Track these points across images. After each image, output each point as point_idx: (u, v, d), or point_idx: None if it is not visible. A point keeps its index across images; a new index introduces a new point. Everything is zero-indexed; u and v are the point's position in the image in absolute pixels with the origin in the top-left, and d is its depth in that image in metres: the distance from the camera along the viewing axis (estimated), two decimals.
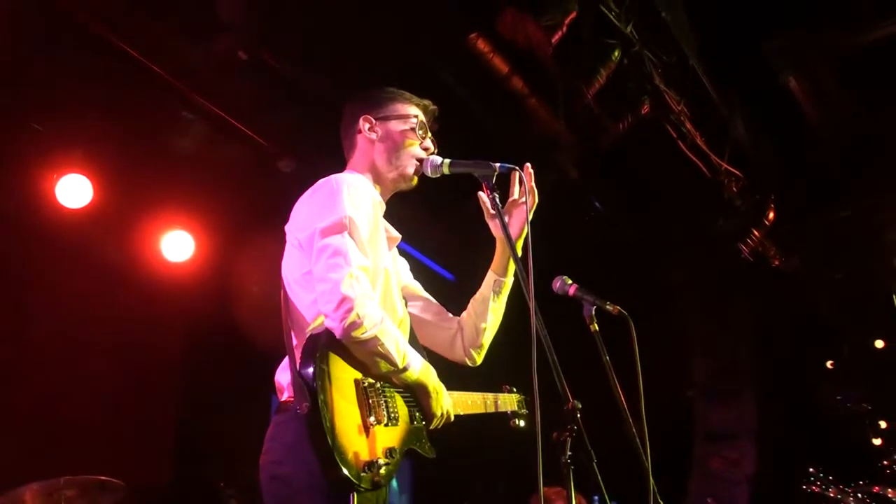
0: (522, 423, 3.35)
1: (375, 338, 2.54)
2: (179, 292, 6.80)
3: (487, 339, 3.20)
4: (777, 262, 7.93)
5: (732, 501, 8.44)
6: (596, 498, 6.95)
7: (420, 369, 2.72)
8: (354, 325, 2.50)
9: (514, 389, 3.42)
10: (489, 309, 3.15)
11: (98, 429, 6.06)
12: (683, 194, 6.94)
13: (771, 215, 7.35)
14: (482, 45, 5.42)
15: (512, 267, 3.13)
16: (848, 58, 6.34)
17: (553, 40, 5.23)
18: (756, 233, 7.36)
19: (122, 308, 6.48)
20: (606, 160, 6.46)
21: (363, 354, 2.59)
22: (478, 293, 3.19)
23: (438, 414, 2.79)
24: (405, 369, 2.65)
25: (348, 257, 2.58)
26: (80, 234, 6.05)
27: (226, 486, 6.43)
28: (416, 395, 2.77)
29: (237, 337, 6.43)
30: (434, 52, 5.53)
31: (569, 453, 2.35)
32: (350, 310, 2.49)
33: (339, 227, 2.64)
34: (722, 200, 6.90)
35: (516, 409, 3.36)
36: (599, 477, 2.34)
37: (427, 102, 3.11)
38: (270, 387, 2.85)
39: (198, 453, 6.81)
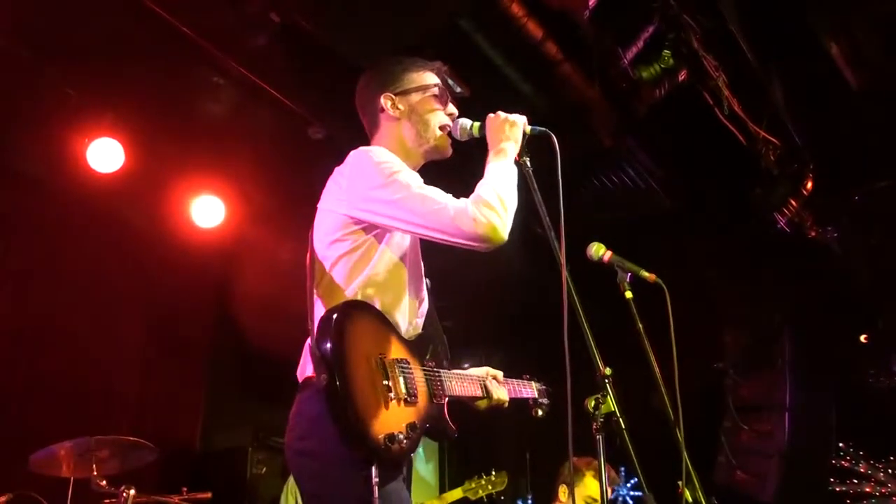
0: (541, 413, 3.34)
1: (488, 220, 2.54)
2: (209, 257, 6.83)
3: None
4: (813, 234, 7.80)
5: (762, 475, 8.38)
6: (623, 468, 6.92)
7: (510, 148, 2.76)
8: (483, 225, 2.52)
9: (533, 379, 3.40)
10: None
11: (127, 392, 6.12)
12: (719, 162, 6.82)
13: (809, 185, 7.22)
14: (516, 9, 5.33)
15: None
16: (892, 24, 6.18)
17: (589, 3, 5.13)
18: (793, 202, 7.23)
19: (151, 273, 6.53)
20: (642, 128, 6.37)
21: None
22: None
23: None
24: (510, 177, 2.69)
25: (421, 191, 2.60)
26: (111, 198, 6.08)
27: (254, 451, 6.49)
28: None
29: (266, 303, 6.44)
30: (468, 17, 5.44)
31: (600, 421, 2.32)
32: (474, 220, 2.51)
33: (395, 170, 2.63)
34: (759, 169, 6.78)
35: (536, 397, 3.34)
36: (630, 445, 2.30)
37: (438, 64, 3.04)
38: (297, 351, 2.82)
39: (226, 418, 6.87)
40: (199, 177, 6.55)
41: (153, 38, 5.33)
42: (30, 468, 4.52)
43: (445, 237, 2.56)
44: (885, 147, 7.12)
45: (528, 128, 2.77)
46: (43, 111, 5.68)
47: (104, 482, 4.68)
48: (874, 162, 7.45)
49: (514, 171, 2.72)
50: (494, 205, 2.56)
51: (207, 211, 6.61)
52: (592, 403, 2.32)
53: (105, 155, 5.87)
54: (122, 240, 6.32)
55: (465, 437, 2.83)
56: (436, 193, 2.61)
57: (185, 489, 5.03)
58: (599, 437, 2.32)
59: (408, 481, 2.70)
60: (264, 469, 6.59)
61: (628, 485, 8.05)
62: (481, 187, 2.63)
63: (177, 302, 6.73)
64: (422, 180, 2.70)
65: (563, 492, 5.71)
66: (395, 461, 2.49)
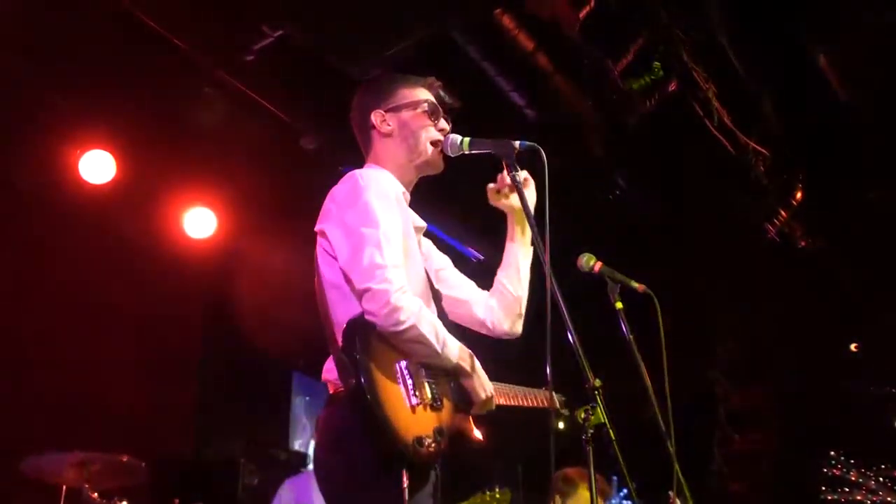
0: (562, 425, 3.28)
1: (413, 326, 2.53)
2: (201, 269, 6.82)
3: (524, 306, 3.13)
4: (804, 244, 7.84)
5: (753, 483, 8.41)
6: (615, 478, 6.92)
7: (459, 354, 2.69)
8: (392, 318, 2.49)
9: (554, 392, 3.34)
10: (521, 276, 3.09)
11: (119, 404, 6.09)
12: (710, 173, 6.86)
13: (798, 195, 7.27)
14: (508, 21, 5.36)
15: (529, 237, 3.08)
16: (879, 35, 6.22)
17: (580, 15, 5.16)
18: (783, 213, 7.27)
19: (143, 284, 6.51)
20: (632, 138, 6.40)
21: (402, 342, 2.58)
22: (504, 264, 3.12)
23: (483, 397, 2.76)
24: (444, 354, 2.63)
25: (382, 251, 2.55)
26: (102, 209, 6.08)
27: (246, 462, 6.47)
28: (459, 379, 2.74)
29: (258, 313, 6.44)
30: (459, 29, 5.46)
31: (589, 432, 2.33)
32: (387, 303, 2.48)
33: (369, 221, 2.61)
34: (749, 180, 6.82)
35: (558, 408, 3.26)
36: (620, 456, 2.31)
37: (431, 79, 3.03)
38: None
39: (218, 430, 6.85)
40: (190, 188, 6.55)
41: (145, 50, 5.33)
42: (21, 473, 4.51)
43: (353, 286, 2.56)
44: (874, 157, 7.17)
45: (518, 143, 2.77)
46: (35, 123, 5.68)
47: (96, 494, 4.68)
48: (863, 172, 7.49)
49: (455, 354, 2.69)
50: (428, 333, 2.57)
51: (199, 222, 6.61)
52: (582, 415, 2.33)
53: (97, 166, 5.88)
54: (114, 251, 6.30)
55: (458, 448, 2.83)
56: (390, 254, 2.57)
57: (176, 500, 5.02)
58: (589, 449, 2.33)
59: (436, 497, 2.69)
60: (256, 480, 6.57)
61: (620, 494, 8.04)
62: (439, 326, 2.64)
63: (169, 313, 6.71)
64: (400, 229, 2.69)
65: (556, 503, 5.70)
66: (423, 465, 2.53)
